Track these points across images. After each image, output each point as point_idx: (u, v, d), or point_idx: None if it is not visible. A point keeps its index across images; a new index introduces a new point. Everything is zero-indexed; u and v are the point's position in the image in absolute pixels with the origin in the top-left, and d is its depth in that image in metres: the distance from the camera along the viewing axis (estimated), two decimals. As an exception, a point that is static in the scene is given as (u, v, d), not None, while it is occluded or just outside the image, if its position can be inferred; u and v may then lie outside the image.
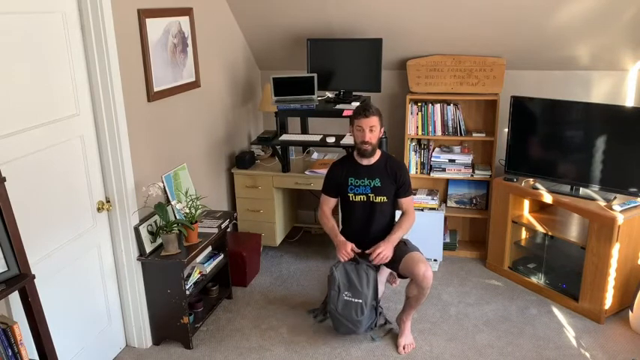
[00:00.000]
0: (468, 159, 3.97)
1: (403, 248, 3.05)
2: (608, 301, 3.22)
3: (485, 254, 4.00)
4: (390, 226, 3.13)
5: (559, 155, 3.47)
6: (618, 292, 3.25)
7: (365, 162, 3.07)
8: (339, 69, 3.96)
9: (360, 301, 2.95)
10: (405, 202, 3.13)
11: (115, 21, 2.67)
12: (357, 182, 3.08)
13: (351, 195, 3.09)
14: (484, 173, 3.96)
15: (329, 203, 3.21)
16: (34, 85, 2.35)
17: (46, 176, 2.46)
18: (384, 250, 2.96)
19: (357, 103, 3.81)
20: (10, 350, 2.00)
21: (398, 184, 3.08)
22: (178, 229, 3.00)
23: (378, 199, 3.06)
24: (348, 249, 3.04)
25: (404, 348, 3.02)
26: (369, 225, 3.10)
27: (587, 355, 2.97)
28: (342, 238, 3.09)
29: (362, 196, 3.08)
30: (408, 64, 3.93)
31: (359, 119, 2.95)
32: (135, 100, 2.91)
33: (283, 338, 3.19)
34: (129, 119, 2.85)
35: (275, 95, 3.85)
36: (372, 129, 2.94)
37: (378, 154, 3.08)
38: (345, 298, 2.98)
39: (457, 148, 4.04)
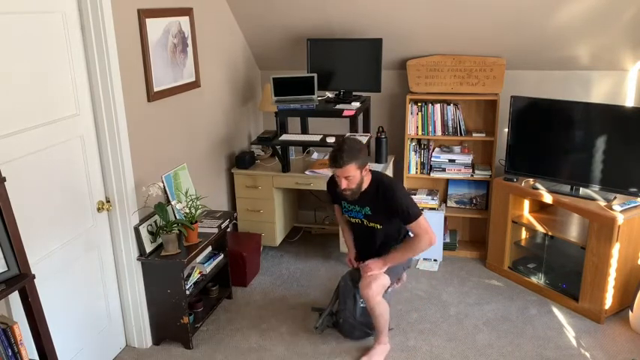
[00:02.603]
0: (468, 159, 3.97)
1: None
2: (608, 301, 3.22)
3: (485, 254, 4.00)
4: (396, 241, 2.98)
5: (559, 155, 3.46)
6: (618, 292, 3.25)
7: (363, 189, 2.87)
8: (339, 69, 3.96)
9: None
10: (411, 227, 2.82)
11: (115, 21, 2.67)
12: (349, 207, 2.95)
13: (346, 216, 3.02)
14: (484, 173, 3.96)
15: (338, 209, 3.12)
16: (34, 85, 2.36)
17: (46, 176, 2.46)
18: (372, 268, 2.86)
19: (357, 104, 3.81)
20: (10, 350, 2.00)
21: (393, 213, 2.81)
22: (178, 229, 3.00)
23: (372, 224, 2.92)
24: (347, 259, 3.16)
25: None
26: (371, 243, 2.98)
27: (587, 355, 2.97)
28: (348, 249, 3.17)
29: (356, 219, 2.97)
30: (408, 64, 3.93)
31: (333, 169, 2.73)
32: (135, 100, 2.91)
33: (283, 338, 3.19)
34: (129, 119, 2.85)
35: (275, 95, 3.85)
36: (349, 178, 2.70)
37: (368, 180, 2.83)
38: (362, 305, 3.00)
39: (457, 148, 4.04)
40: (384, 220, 2.87)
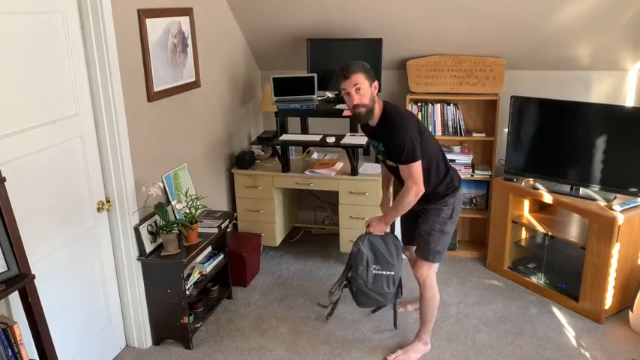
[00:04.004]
0: (467, 159, 3.97)
1: (422, 240, 2.86)
2: (608, 301, 3.22)
3: (485, 254, 4.00)
4: (439, 187, 2.79)
5: (559, 155, 3.46)
6: (618, 292, 3.25)
7: (371, 122, 2.72)
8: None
9: (392, 273, 2.90)
10: (402, 170, 2.67)
11: (115, 21, 2.67)
12: (372, 142, 2.82)
13: (378, 156, 2.88)
14: (484, 173, 3.96)
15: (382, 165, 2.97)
16: (34, 85, 2.36)
17: (46, 176, 2.46)
18: (372, 228, 2.91)
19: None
20: (10, 350, 2.00)
21: (394, 150, 2.65)
22: (178, 229, 3.00)
23: (390, 163, 2.76)
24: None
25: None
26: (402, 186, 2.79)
27: (587, 355, 2.97)
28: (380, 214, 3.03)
29: (381, 157, 2.82)
30: (408, 64, 3.93)
31: (341, 83, 2.62)
32: (135, 100, 2.91)
33: (283, 338, 3.19)
34: (129, 119, 2.85)
35: (275, 95, 3.85)
36: (359, 88, 2.57)
37: (379, 108, 2.66)
38: (374, 272, 2.90)
39: (457, 148, 4.04)
40: (397, 158, 2.68)
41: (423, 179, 2.68)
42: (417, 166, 2.62)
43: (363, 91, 2.59)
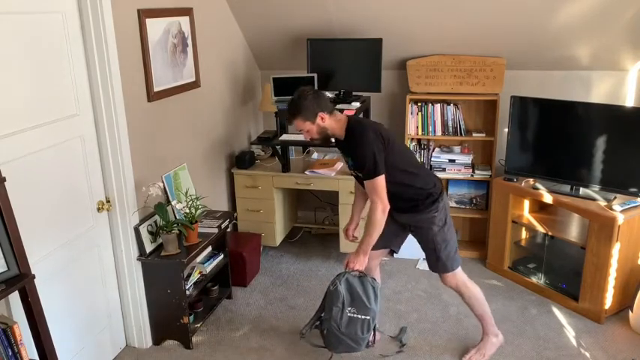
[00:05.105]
0: (468, 159, 3.97)
1: (431, 257, 2.83)
2: (608, 301, 3.22)
3: (485, 254, 4.00)
4: (407, 200, 2.73)
5: (559, 155, 3.47)
6: (618, 292, 3.25)
7: (340, 138, 2.73)
8: (339, 69, 3.96)
9: (368, 317, 2.70)
10: (366, 186, 2.64)
11: (115, 21, 2.67)
12: (345, 158, 2.80)
13: (351, 172, 2.83)
14: (484, 173, 3.96)
15: (356, 183, 2.91)
16: (34, 85, 2.36)
17: (46, 176, 2.46)
18: (352, 264, 2.73)
19: (357, 104, 3.81)
20: (10, 350, 2.00)
21: (359, 162, 2.65)
22: (178, 229, 3.00)
23: (361, 175, 2.70)
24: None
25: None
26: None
27: (587, 355, 2.97)
28: (350, 218, 2.98)
29: (353, 172, 2.78)
30: (408, 64, 3.93)
31: None
32: (135, 100, 2.92)
33: (283, 338, 3.19)
34: (129, 119, 2.85)
35: (275, 95, 3.85)
36: (303, 131, 2.68)
37: (339, 126, 2.68)
38: (349, 314, 2.70)
39: (457, 148, 4.04)
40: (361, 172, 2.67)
41: (401, 189, 2.67)
42: (380, 180, 2.58)
43: (306, 129, 2.66)
